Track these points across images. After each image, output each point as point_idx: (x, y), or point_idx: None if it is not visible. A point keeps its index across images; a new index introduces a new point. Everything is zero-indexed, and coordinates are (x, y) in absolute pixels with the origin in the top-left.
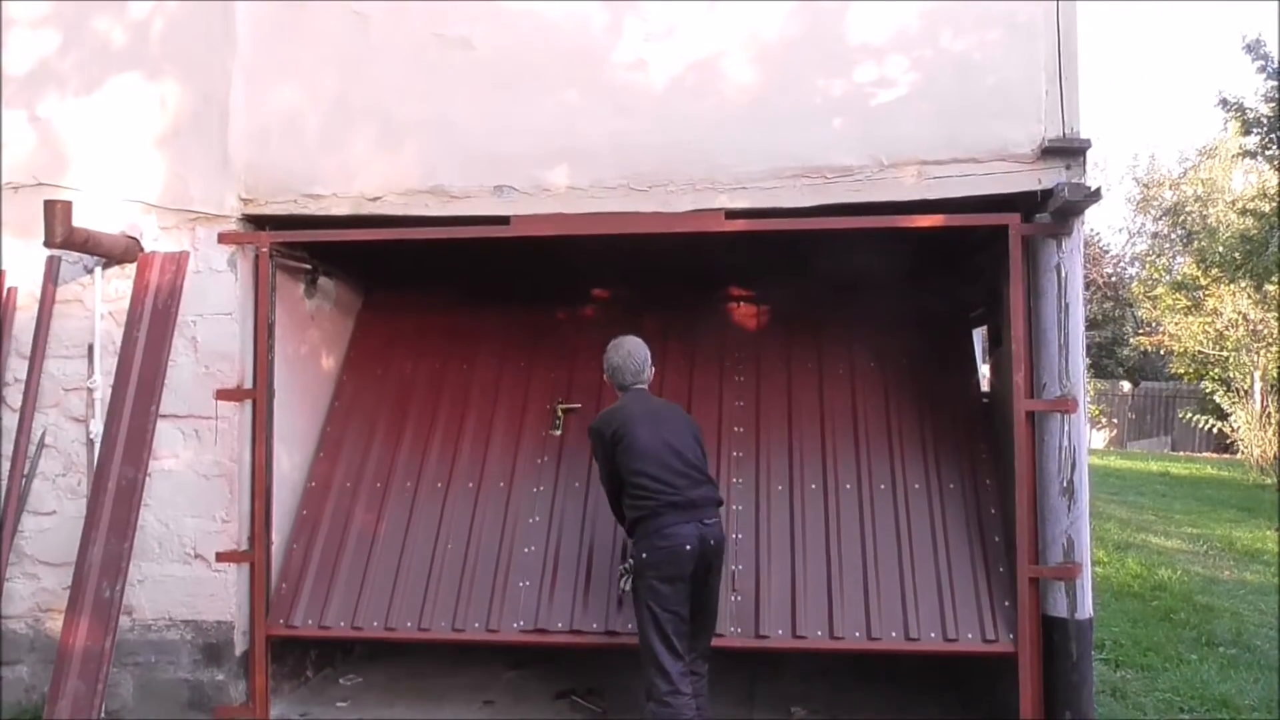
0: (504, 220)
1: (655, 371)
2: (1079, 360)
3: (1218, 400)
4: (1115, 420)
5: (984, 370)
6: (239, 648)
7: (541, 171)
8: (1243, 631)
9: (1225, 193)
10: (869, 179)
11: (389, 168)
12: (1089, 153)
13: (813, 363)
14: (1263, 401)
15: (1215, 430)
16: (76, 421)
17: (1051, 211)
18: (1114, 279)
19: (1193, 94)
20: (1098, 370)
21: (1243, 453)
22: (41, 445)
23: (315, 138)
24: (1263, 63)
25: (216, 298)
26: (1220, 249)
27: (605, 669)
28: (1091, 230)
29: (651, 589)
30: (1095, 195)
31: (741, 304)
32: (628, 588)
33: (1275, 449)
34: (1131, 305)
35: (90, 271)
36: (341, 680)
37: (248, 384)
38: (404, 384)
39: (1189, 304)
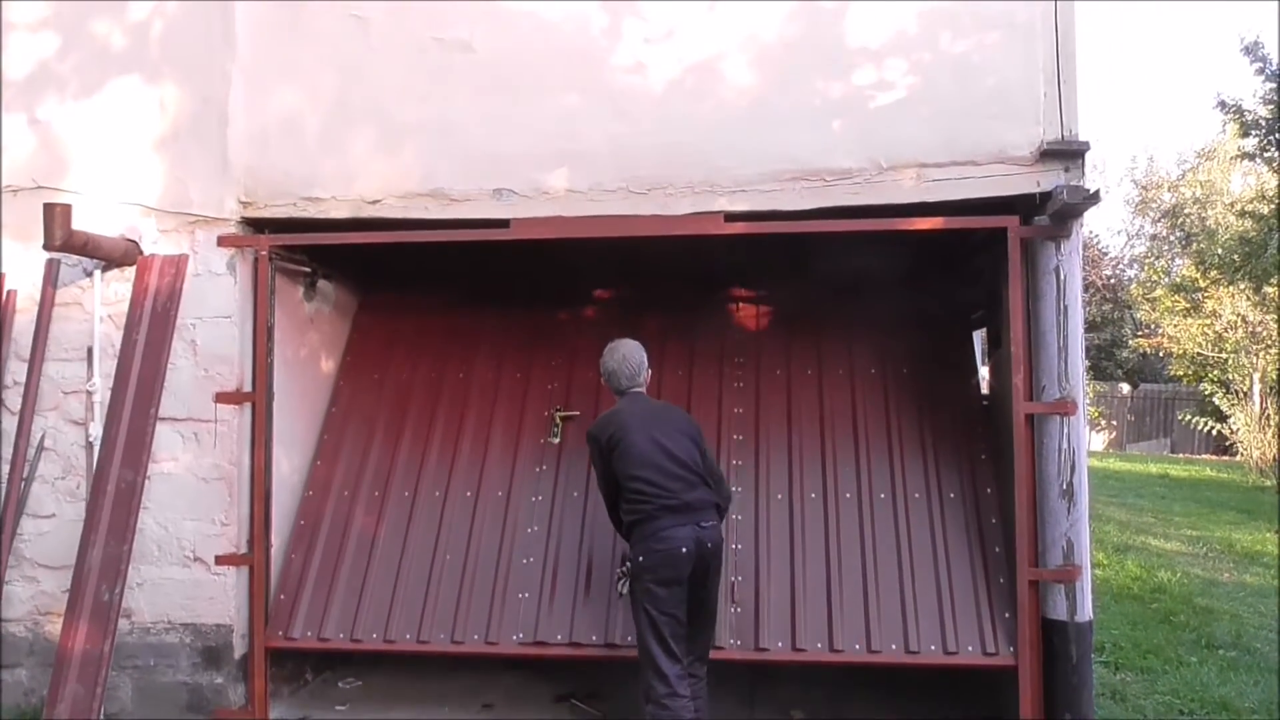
0: (503, 223)
1: (654, 373)
2: (1078, 362)
3: (1217, 402)
4: (1114, 422)
5: (983, 372)
6: (238, 651)
7: (541, 174)
8: (1242, 634)
9: (1224, 195)
10: (868, 181)
11: (388, 170)
12: (1088, 155)
13: (813, 365)
14: (1262, 403)
15: (1215, 432)
16: (76, 424)
17: (1050, 214)
18: (1113, 281)
19: (1191, 96)
20: (1097, 372)
21: (1242, 455)
22: (41, 448)
23: (315, 140)
24: (1261, 65)
25: (216, 301)
26: (1219, 251)
27: (605, 672)
28: (1090, 232)
29: (648, 592)
30: (1094, 198)
31: (742, 305)
32: (625, 591)
33: (1275, 451)
34: (1130, 307)
35: (89, 274)
36: (341, 683)
37: (247, 387)
38: (401, 387)
39: (1188, 306)
